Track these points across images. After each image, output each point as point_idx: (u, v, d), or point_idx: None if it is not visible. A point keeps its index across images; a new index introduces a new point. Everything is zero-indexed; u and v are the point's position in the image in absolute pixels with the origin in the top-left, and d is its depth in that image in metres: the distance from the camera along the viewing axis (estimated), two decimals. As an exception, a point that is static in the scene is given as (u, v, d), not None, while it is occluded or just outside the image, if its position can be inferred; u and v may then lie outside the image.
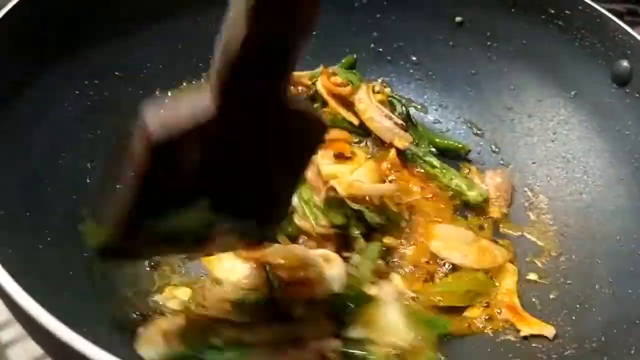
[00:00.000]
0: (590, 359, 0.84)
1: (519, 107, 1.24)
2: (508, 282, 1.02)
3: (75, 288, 0.86)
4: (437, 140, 1.23)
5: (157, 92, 1.19)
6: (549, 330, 0.93)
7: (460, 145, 1.23)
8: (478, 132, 1.27)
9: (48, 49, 1.00)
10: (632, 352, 0.74)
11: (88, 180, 1.02)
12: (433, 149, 1.21)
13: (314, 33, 1.28)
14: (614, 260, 0.97)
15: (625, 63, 1.06)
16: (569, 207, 1.10)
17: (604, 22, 1.08)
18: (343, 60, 1.31)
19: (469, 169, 1.21)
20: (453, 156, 1.23)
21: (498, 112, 1.26)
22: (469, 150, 1.24)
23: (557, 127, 1.18)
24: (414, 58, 1.33)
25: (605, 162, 1.09)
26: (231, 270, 0.92)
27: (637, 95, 1.04)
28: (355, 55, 1.31)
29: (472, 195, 1.11)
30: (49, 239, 0.88)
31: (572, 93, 1.16)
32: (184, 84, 1.22)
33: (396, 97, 1.27)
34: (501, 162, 1.22)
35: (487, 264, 1.01)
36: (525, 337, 0.94)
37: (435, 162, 1.16)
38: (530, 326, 0.94)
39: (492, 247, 1.05)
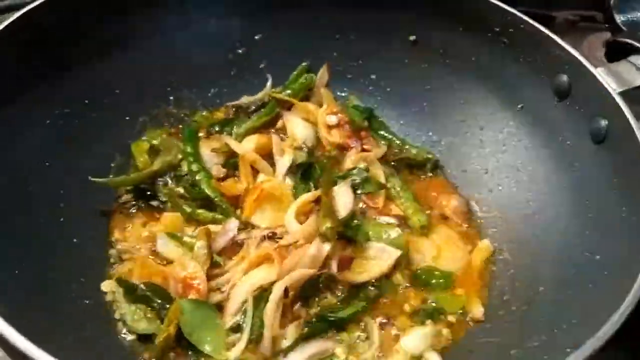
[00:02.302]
0: (533, 358, 0.91)
1: (472, 120, 1.31)
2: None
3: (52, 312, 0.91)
4: (409, 147, 1.30)
5: (127, 119, 1.25)
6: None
7: (429, 156, 1.29)
8: (434, 144, 1.34)
9: (15, 79, 1.04)
10: (568, 350, 0.79)
11: (62, 205, 1.08)
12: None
13: (278, 54, 1.37)
14: (556, 264, 1.04)
15: (564, 77, 1.12)
16: (517, 214, 1.17)
17: (543, 39, 1.14)
18: (298, 68, 1.38)
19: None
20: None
21: (452, 125, 1.33)
22: (437, 161, 1.30)
23: (507, 139, 1.25)
24: (373, 76, 1.39)
25: (549, 171, 1.16)
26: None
27: (577, 107, 1.11)
28: (307, 64, 1.38)
29: (414, 219, 1.17)
30: (23, 264, 0.93)
31: (519, 106, 1.23)
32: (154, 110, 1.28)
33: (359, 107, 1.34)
34: (455, 172, 1.29)
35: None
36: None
37: (397, 182, 1.23)
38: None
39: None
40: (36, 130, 1.09)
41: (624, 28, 1.59)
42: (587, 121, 1.08)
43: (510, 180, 1.22)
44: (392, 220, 1.16)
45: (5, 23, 1.04)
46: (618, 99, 1.02)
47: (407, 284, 1.08)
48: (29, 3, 1.09)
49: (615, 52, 1.27)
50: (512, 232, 1.16)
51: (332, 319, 1.00)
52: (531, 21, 1.16)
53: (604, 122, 1.04)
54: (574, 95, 1.12)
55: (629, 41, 1.27)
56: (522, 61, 1.20)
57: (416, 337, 1.01)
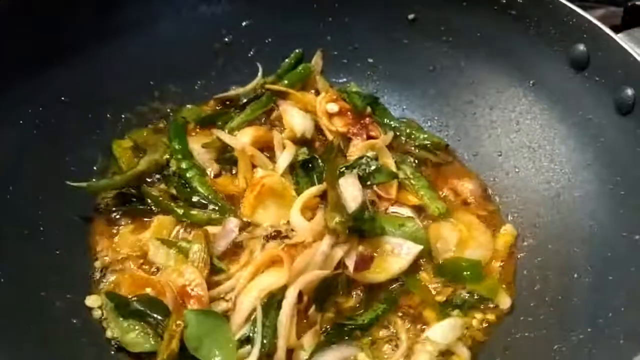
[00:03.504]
0: (579, 353, 0.82)
1: (480, 100, 1.22)
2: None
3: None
4: (416, 133, 1.21)
5: (108, 117, 1.14)
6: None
7: (439, 140, 1.20)
8: (441, 128, 1.25)
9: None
10: (622, 341, 0.71)
11: (40, 213, 0.97)
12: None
13: (268, 41, 1.28)
14: (589, 247, 0.96)
15: (581, 47, 1.04)
16: (539, 196, 1.09)
17: (557, 8, 1.07)
18: (291, 55, 1.29)
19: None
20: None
21: (459, 106, 1.24)
22: (447, 145, 1.21)
23: (520, 117, 1.17)
24: (370, 60, 1.30)
25: (570, 148, 1.08)
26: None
27: (597, 78, 1.03)
28: (301, 50, 1.29)
29: (432, 207, 1.08)
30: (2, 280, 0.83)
31: (531, 82, 1.15)
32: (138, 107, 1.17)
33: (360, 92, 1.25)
34: (466, 156, 1.21)
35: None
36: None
37: (408, 170, 1.14)
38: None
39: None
40: (9, 131, 0.99)
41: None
42: (610, 92, 1.00)
43: (528, 161, 1.13)
44: (407, 211, 1.07)
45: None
46: (646, 66, 0.94)
47: (433, 279, 0.99)
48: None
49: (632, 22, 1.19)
50: (534, 217, 1.07)
51: (352, 327, 0.90)
52: (543, -11, 1.08)
53: (630, 92, 0.97)
54: (593, 65, 1.04)
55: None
56: (533, 33, 1.12)
57: (444, 327, 0.92)
